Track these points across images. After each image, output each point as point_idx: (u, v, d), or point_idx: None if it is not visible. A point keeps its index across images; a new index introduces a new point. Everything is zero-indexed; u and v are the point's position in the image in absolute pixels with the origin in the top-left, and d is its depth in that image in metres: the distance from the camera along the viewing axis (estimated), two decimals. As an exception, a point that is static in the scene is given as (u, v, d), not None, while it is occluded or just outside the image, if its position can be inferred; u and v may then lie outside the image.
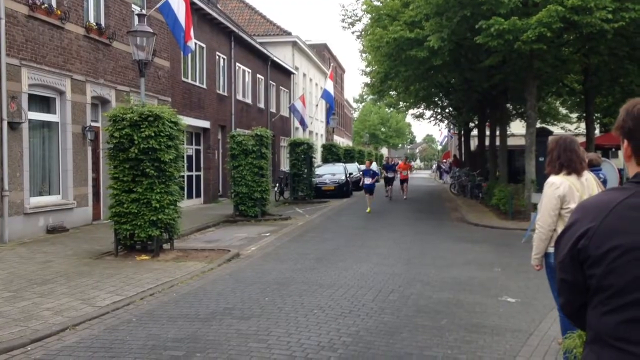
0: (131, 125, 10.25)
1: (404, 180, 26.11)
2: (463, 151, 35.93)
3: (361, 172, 24.59)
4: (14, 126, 11.92)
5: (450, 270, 9.56)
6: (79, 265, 9.56)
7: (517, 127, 28.26)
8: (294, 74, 37.89)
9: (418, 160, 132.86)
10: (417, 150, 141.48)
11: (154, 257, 10.29)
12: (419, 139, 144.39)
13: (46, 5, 12.99)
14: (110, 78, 15.63)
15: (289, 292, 7.78)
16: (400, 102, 32.37)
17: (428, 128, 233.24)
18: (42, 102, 13.38)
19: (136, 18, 11.80)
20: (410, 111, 36.04)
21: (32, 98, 12.76)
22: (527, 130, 17.77)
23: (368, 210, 19.55)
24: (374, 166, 31.13)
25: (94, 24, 14.90)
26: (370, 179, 20.24)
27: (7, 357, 5.27)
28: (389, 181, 25.90)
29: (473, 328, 6.20)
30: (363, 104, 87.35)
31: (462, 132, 35.73)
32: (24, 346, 5.53)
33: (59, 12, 13.37)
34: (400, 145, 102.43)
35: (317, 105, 40.47)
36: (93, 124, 14.95)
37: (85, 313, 6.63)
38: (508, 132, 23.20)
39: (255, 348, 5.44)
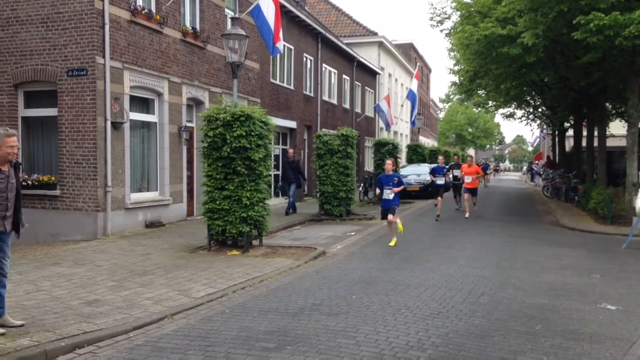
0: (224, 125, 10.62)
1: (470, 190, 18.78)
2: (557, 152, 34.40)
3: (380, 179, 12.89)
4: (116, 126, 12.68)
5: (544, 275, 9.20)
6: (175, 258, 10.04)
7: (617, 128, 26.70)
8: (379, 74, 37.79)
9: (507, 162, 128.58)
10: (507, 152, 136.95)
11: (244, 252, 10.62)
12: (508, 140, 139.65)
13: (146, 10, 13.72)
14: (204, 80, 16.27)
15: (375, 291, 7.78)
16: (489, 102, 31.59)
17: (518, 128, 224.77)
18: (141, 103, 14.15)
19: (229, 21, 12.20)
20: (500, 111, 35.07)
21: (132, 99, 13.52)
22: (629, 131, 16.80)
23: (392, 243, 12.00)
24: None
25: (190, 28, 15.57)
26: (391, 191, 11.96)
27: (112, 342, 5.63)
28: (437, 191, 18.83)
29: (570, 335, 5.93)
30: (449, 103, 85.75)
31: (557, 132, 34.21)
32: (126, 332, 5.89)
33: (158, 17, 14.08)
34: (488, 146, 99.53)
35: (402, 106, 40.12)
36: (188, 124, 15.63)
37: (182, 303, 6.96)
38: (607, 133, 21.96)
39: (344, 344, 5.49)
